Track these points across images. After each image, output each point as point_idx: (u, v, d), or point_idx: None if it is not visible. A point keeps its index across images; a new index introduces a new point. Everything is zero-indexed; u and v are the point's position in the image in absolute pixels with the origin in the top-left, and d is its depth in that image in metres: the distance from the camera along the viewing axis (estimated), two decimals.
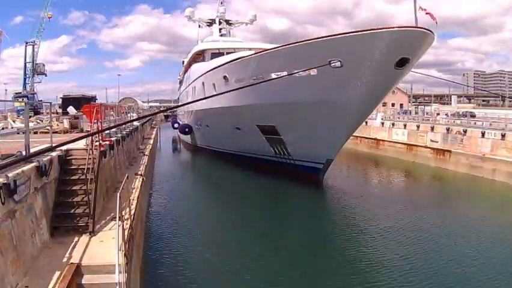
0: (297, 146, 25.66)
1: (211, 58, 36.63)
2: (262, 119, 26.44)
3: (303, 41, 21.32)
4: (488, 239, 15.07)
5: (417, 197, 23.78)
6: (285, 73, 19.77)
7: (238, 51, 31.82)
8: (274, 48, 23.17)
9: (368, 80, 19.90)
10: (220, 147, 35.90)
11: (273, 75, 20.98)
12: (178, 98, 72.21)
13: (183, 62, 58.25)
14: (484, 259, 12.91)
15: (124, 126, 21.41)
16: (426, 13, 18.69)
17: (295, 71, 18.45)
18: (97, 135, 11.85)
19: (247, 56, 25.26)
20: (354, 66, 19.71)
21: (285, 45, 22.28)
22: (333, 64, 19.63)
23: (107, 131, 15.36)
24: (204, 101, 31.17)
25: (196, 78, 35.73)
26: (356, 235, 15.82)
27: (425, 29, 18.60)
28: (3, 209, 6.36)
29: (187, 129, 43.84)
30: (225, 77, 27.18)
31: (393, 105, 77.62)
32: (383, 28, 18.72)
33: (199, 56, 42.37)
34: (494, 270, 11.96)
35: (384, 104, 74.16)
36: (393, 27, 18.59)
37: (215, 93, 26.65)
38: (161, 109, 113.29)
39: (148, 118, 52.12)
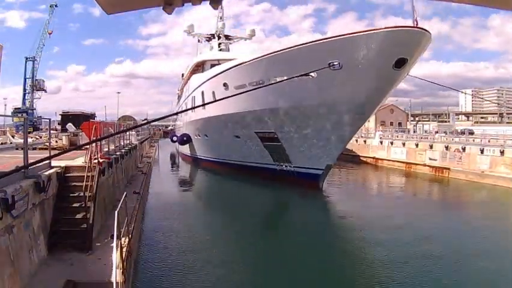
0: (297, 151, 25.72)
1: (210, 69, 36.84)
2: (262, 126, 26.56)
3: (302, 44, 21.53)
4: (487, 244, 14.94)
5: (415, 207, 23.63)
6: (285, 77, 19.64)
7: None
8: (274, 52, 23.31)
9: (367, 81, 20.07)
10: (219, 157, 35.86)
11: (273, 80, 20.86)
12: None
13: (182, 75, 58.28)
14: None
15: (123, 144, 21.48)
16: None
17: (295, 75, 18.59)
18: (95, 153, 11.89)
19: (246, 62, 25.34)
20: (354, 67, 19.90)
21: (285, 49, 22.46)
22: (332, 66, 19.81)
23: (105, 149, 15.42)
24: (203, 110, 31.26)
25: (196, 88, 35.84)
26: (358, 241, 15.72)
27: (422, 28, 18.78)
28: (1, 224, 6.36)
29: (185, 138, 43.73)
30: (224, 84, 27.26)
31: (391, 123, 77.99)
32: (380, 28, 19.01)
33: (199, 68, 42.57)
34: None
35: (383, 123, 74.62)
36: (390, 27, 18.86)
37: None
38: (160, 125, 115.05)
39: (147, 137, 52.33)
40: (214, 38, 48.45)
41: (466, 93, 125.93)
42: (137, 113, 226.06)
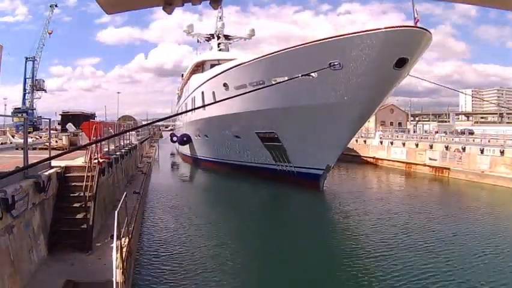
0: (297, 152, 25.73)
1: (210, 69, 36.91)
2: (263, 126, 26.58)
3: (302, 44, 21.55)
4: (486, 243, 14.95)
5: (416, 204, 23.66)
6: (285, 77, 19.51)
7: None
8: (274, 52, 23.33)
9: (368, 81, 20.08)
10: (219, 157, 35.92)
11: (273, 80, 20.93)
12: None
13: (182, 75, 58.29)
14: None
15: (123, 144, 21.48)
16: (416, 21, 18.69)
17: (296, 75, 18.57)
18: (96, 153, 11.89)
19: (246, 62, 25.38)
20: (354, 67, 19.94)
21: (285, 49, 22.47)
22: (333, 66, 19.83)
23: (105, 149, 15.42)
24: (203, 110, 31.27)
25: (196, 88, 35.88)
26: (357, 241, 15.69)
27: (423, 28, 18.78)
28: (1, 224, 6.35)
29: (185, 139, 43.83)
30: (224, 84, 27.30)
31: (391, 123, 77.96)
32: (381, 28, 19.03)
33: (199, 68, 42.64)
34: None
35: (383, 123, 74.58)
36: (390, 27, 18.86)
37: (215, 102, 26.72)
38: (160, 126, 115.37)
39: (147, 137, 52.34)
40: (213, 38, 48.42)
41: (466, 94, 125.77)
42: (140, 113, 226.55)
